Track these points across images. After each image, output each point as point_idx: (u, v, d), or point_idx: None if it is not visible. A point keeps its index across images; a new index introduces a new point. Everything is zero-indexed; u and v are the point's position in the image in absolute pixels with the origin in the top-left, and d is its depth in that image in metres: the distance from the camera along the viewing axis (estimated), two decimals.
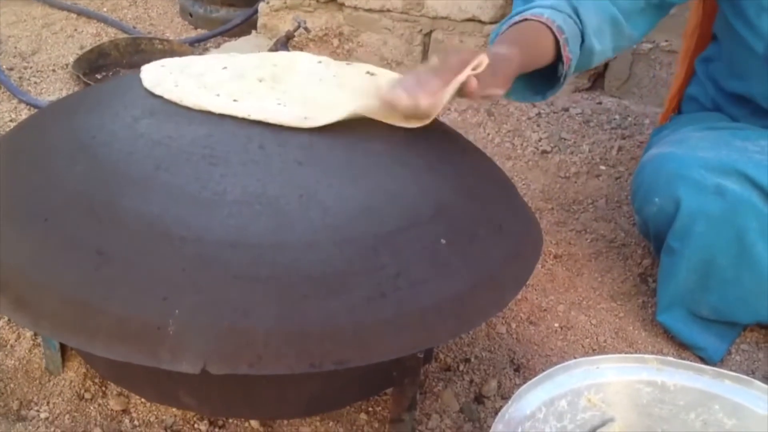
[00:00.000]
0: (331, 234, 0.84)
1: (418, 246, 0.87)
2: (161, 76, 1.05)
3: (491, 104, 2.03)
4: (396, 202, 0.90)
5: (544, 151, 1.86)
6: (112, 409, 1.07)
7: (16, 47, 2.28)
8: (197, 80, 1.04)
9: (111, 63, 2.21)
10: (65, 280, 0.81)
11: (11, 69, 2.13)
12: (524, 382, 0.85)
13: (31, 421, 1.04)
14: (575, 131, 1.95)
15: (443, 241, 0.88)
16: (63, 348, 1.11)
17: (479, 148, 1.20)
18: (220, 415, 1.06)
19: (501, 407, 0.82)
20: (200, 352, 0.76)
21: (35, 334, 1.17)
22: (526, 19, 1.14)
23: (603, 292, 1.41)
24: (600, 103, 2.10)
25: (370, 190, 0.91)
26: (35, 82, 2.10)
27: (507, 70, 1.05)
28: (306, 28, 2.22)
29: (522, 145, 1.89)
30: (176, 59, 1.15)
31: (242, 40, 2.35)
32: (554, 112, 2.04)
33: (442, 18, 2.15)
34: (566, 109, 2.05)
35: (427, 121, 0.99)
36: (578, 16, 1.16)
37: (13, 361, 1.13)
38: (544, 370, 0.86)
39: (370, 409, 1.11)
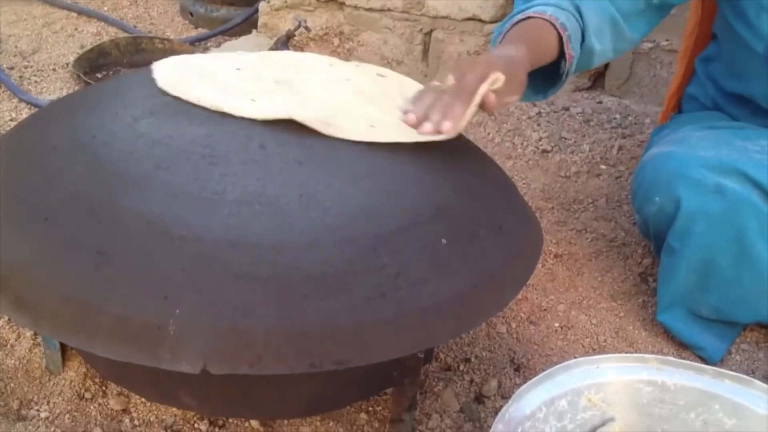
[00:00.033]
0: (331, 234, 0.84)
1: (418, 246, 0.87)
2: (176, 76, 1.04)
3: None
4: (396, 202, 0.90)
5: (545, 151, 1.86)
6: (112, 409, 1.07)
7: (16, 46, 2.28)
8: (213, 81, 1.03)
9: (111, 62, 2.21)
10: (65, 280, 0.81)
11: (12, 68, 2.13)
12: (524, 382, 0.85)
13: (31, 420, 1.04)
14: (576, 130, 1.95)
15: (443, 241, 0.88)
16: (63, 348, 1.11)
17: (479, 147, 1.20)
18: (220, 414, 1.06)
19: (501, 407, 0.82)
20: (200, 352, 0.76)
21: (35, 334, 1.17)
22: (529, 17, 1.14)
23: (603, 292, 1.41)
24: (600, 102, 2.10)
25: (370, 190, 0.91)
26: (36, 82, 2.10)
27: (521, 76, 1.05)
28: (306, 28, 2.22)
29: (522, 144, 1.89)
30: (185, 57, 1.14)
31: (243, 40, 2.35)
32: (555, 112, 2.04)
33: (443, 17, 2.15)
34: (567, 109, 2.05)
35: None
36: (580, 14, 1.16)
37: (13, 361, 1.13)
38: (544, 370, 0.86)
39: (371, 409, 1.11)
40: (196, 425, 1.05)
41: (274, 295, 0.79)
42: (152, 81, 1.03)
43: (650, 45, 2.04)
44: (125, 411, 1.07)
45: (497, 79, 0.98)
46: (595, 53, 1.20)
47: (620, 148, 1.87)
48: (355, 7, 2.23)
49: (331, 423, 1.07)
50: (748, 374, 1.02)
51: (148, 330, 0.77)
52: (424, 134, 0.95)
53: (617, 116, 2.02)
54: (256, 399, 0.98)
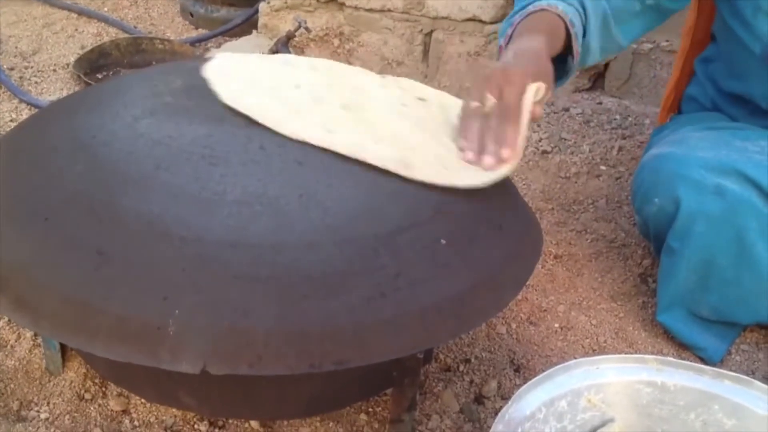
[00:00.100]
0: (331, 234, 0.84)
1: (418, 246, 0.87)
2: (238, 89, 1.01)
3: None
4: (396, 202, 0.90)
5: (545, 152, 1.86)
6: (112, 410, 1.07)
7: (16, 47, 2.28)
8: (280, 100, 0.99)
9: (112, 63, 2.21)
10: (65, 280, 0.81)
11: (12, 69, 2.13)
12: (524, 383, 0.85)
13: (31, 421, 1.04)
14: (575, 131, 1.95)
15: (443, 241, 0.88)
16: (63, 348, 1.11)
17: None
18: (220, 415, 1.06)
19: (501, 408, 0.82)
20: (200, 353, 0.76)
21: (35, 335, 1.17)
22: (542, 9, 1.14)
23: (603, 293, 1.41)
24: (600, 103, 2.10)
25: (370, 190, 0.91)
26: (36, 82, 2.10)
27: (549, 67, 1.04)
28: (306, 28, 2.22)
29: None
30: (233, 59, 1.11)
31: (243, 40, 2.35)
32: (554, 112, 2.04)
33: (443, 18, 2.15)
34: (566, 109, 2.05)
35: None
36: (584, 10, 1.17)
37: (13, 362, 1.13)
38: (544, 371, 0.86)
39: (370, 409, 1.11)
40: (195, 426, 1.05)
41: (274, 295, 0.79)
42: (211, 92, 1.00)
43: (650, 46, 2.05)
44: (125, 412, 1.07)
45: (539, 89, 0.97)
46: (590, 52, 1.20)
47: (620, 148, 1.87)
48: (356, 8, 2.23)
49: (330, 424, 1.07)
50: (747, 375, 1.02)
51: (147, 330, 0.77)
52: (488, 168, 0.94)
53: (617, 117, 2.02)
54: (255, 399, 0.98)
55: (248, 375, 0.76)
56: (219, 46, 2.39)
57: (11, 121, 1.86)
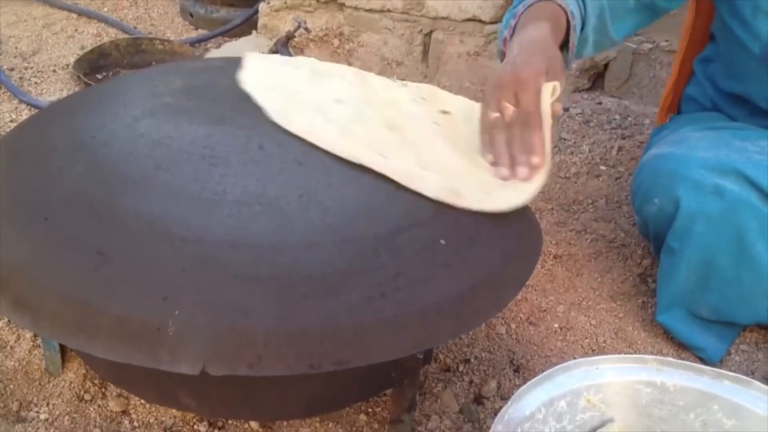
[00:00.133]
0: (331, 234, 0.84)
1: (418, 246, 0.87)
2: (282, 103, 1.01)
3: None
4: (396, 202, 0.90)
5: None
6: (111, 411, 1.07)
7: (16, 47, 2.28)
8: (327, 119, 0.99)
9: (112, 63, 2.21)
10: (65, 280, 0.81)
11: (12, 69, 2.13)
12: (524, 383, 0.84)
13: (30, 422, 1.04)
14: (575, 131, 1.96)
15: (443, 241, 0.88)
16: (63, 349, 1.11)
17: None
18: (219, 416, 1.06)
19: (500, 408, 0.82)
20: (200, 353, 0.76)
21: (35, 335, 1.17)
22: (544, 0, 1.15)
23: (603, 293, 1.41)
24: (600, 103, 2.10)
25: (370, 190, 0.91)
26: (36, 83, 2.10)
27: (558, 57, 1.04)
28: (306, 29, 2.22)
29: None
30: (268, 69, 1.11)
31: (243, 41, 2.35)
32: None
33: (443, 18, 2.15)
34: (566, 110, 2.05)
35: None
36: (584, 3, 1.17)
37: (12, 363, 1.13)
38: (543, 371, 0.86)
39: (370, 410, 1.11)
40: (195, 427, 1.05)
41: (274, 295, 0.79)
42: (256, 106, 1.00)
43: (650, 46, 2.05)
44: (125, 412, 1.07)
45: (555, 87, 0.96)
46: (587, 45, 1.20)
47: (620, 149, 1.87)
48: (355, 8, 2.24)
49: (330, 424, 1.07)
50: (747, 375, 1.02)
51: (147, 331, 0.77)
52: (523, 179, 0.95)
53: (617, 117, 2.02)
54: (255, 400, 0.98)
55: (248, 376, 0.76)
56: (219, 46, 2.39)
57: (11, 121, 1.86)
